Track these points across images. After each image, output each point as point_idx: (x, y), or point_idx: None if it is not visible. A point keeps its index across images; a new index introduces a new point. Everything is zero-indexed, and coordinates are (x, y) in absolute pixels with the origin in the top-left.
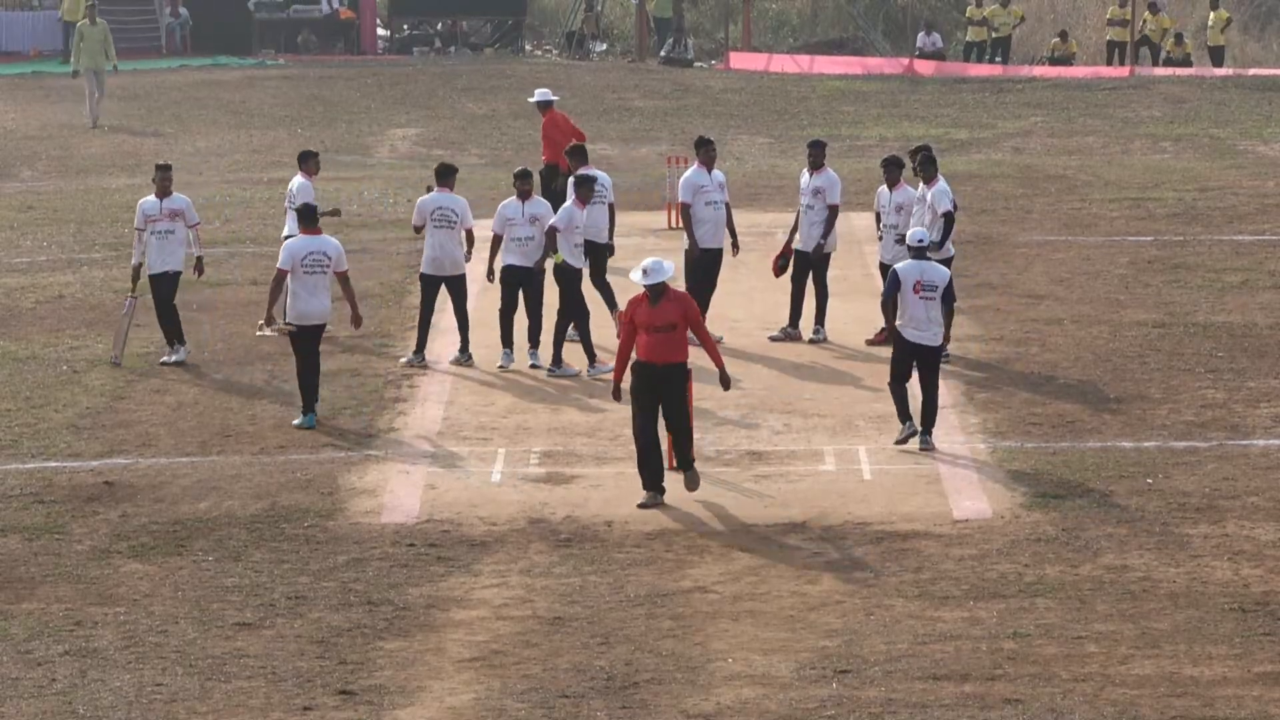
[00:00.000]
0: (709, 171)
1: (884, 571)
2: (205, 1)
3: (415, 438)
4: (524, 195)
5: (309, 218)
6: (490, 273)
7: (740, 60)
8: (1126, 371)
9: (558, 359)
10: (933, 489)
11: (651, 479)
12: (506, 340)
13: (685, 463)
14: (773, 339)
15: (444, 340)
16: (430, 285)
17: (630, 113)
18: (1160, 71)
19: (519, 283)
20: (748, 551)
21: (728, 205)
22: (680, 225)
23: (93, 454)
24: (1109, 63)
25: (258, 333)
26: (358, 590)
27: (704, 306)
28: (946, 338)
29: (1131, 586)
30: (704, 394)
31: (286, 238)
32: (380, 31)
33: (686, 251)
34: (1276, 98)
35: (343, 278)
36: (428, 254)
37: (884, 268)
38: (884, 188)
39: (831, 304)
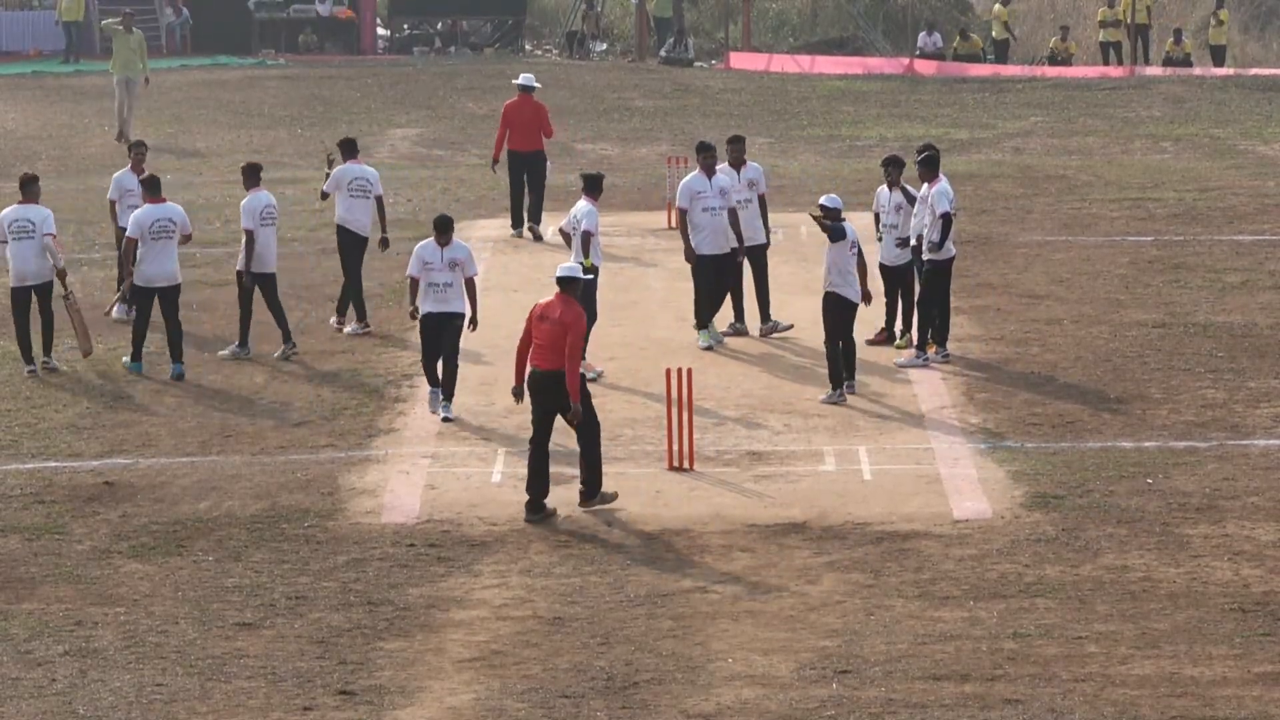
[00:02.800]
0: (709, 177)
1: (884, 572)
2: (205, 1)
3: (415, 438)
4: (444, 243)
5: (154, 187)
6: (415, 311)
7: (740, 60)
8: (1126, 371)
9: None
10: (933, 489)
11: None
12: (435, 382)
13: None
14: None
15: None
16: (260, 281)
17: (630, 113)
18: (1160, 71)
19: (438, 330)
20: (748, 551)
21: (733, 210)
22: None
23: (93, 454)
24: (1104, 64)
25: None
26: (358, 590)
27: (710, 310)
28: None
29: (1131, 587)
30: (704, 394)
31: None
32: (380, 31)
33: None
34: (1276, 98)
35: (186, 239)
36: (258, 251)
37: (884, 269)
38: (883, 188)
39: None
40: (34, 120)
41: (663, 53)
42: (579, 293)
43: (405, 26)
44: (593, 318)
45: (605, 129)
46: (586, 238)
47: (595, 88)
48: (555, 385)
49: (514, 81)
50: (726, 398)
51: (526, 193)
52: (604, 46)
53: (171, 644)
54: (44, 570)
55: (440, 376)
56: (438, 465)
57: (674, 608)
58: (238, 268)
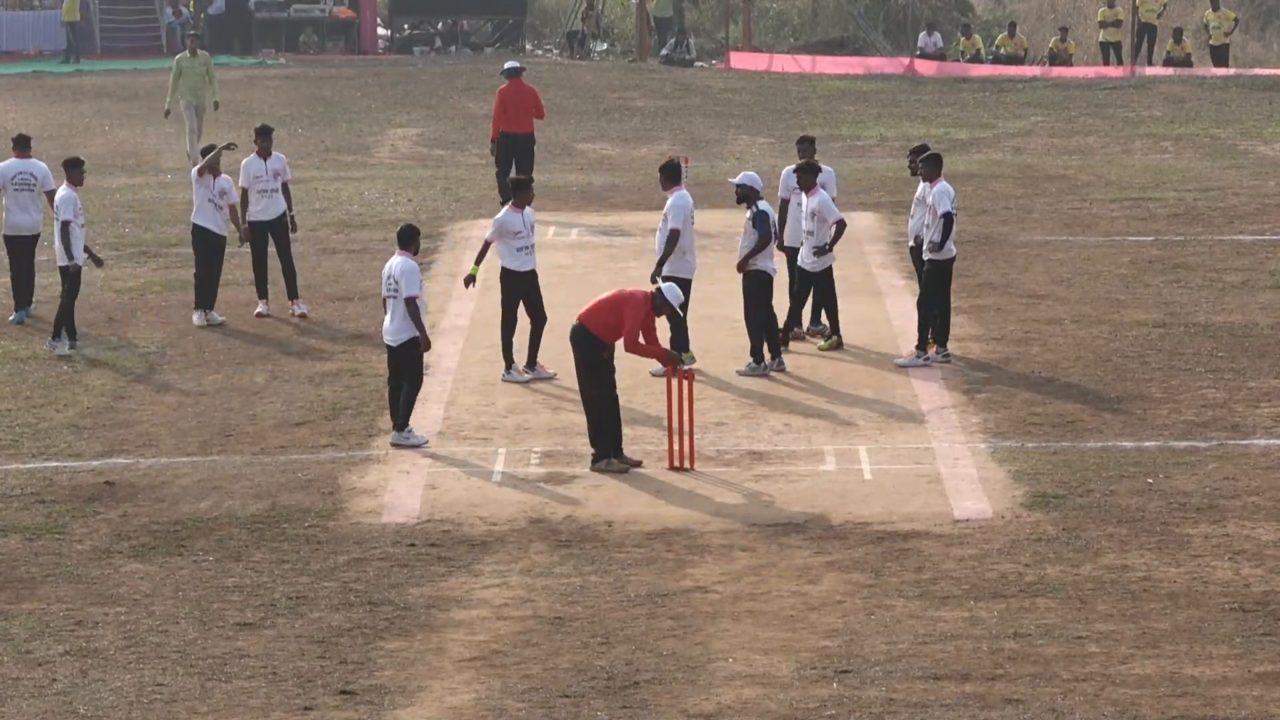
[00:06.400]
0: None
1: (884, 571)
2: (205, 2)
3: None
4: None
5: (23, 145)
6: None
7: (741, 60)
8: (1127, 371)
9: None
10: (933, 489)
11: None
12: (398, 421)
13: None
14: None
15: (446, 339)
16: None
17: (631, 112)
18: (1160, 71)
19: (396, 358)
20: (748, 551)
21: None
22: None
23: (93, 454)
24: (1105, 64)
25: None
26: (358, 590)
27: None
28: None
29: (1132, 586)
30: (704, 394)
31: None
32: (381, 31)
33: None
34: (1277, 98)
35: (51, 195)
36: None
37: (801, 273)
38: (802, 194)
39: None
40: (34, 120)
41: (663, 52)
42: (662, 303)
43: (406, 26)
44: (541, 319)
45: (605, 129)
46: (484, 246)
47: (595, 88)
48: (578, 338)
49: (503, 69)
50: (726, 398)
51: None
52: (604, 46)
53: (172, 644)
54: (44, 570)
55: (403, 403)
56: (438, 465)
57: (674, 607)
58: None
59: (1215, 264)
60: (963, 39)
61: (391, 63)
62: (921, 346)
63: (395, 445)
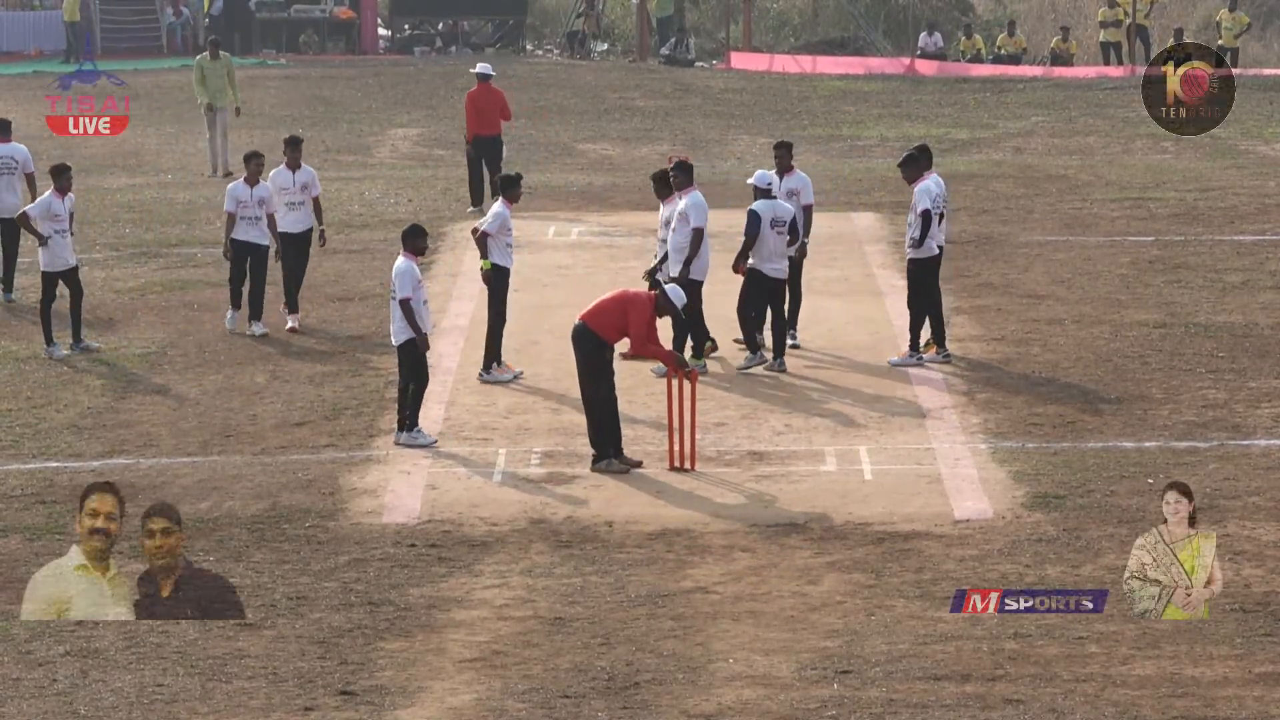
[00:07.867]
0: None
1: (885, 572)
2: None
3: None
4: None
5: (3, 129)
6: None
7: (741, 60)
8: (1127, 371)
9: (489, 363)
10: (934, 489)
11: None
12: (406, 421)
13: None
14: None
15: (447, 339)
16: None
17: (631, 112)
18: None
19: (398, 358)
20: (748, 551)
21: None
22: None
23: (94, 454)
24: (1105, 64)
25: None
26: (359, 590)
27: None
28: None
29: None
30: (705, 394)
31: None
32: (381, 31)
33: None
34: (1278, 98)
35: (30, 178)
36: None
37: (655, 283)
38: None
39: (832, 304)
40: (34, 120)
41: (664, 52)
42: (665, 304)
43: (406, 26)
44: (501, 319)
45: (606, 129)
46: (484, 239)
47: (596, 88)
48: (580, 338)
49: (472, 71)
50: (727, 398)
51: (485, 175)
52: (605, 46)
53: (172, 644)
54: None
55: (398, 407)
56: (438, 465)
57: (675, 608)
58: None
59: (1216, 264)
60: (963, 39)
61: (392, 63)
62: (914, 346)
63: (404, 445)
